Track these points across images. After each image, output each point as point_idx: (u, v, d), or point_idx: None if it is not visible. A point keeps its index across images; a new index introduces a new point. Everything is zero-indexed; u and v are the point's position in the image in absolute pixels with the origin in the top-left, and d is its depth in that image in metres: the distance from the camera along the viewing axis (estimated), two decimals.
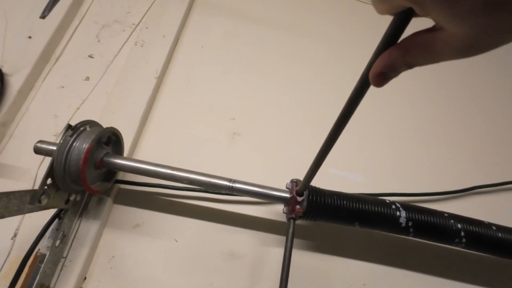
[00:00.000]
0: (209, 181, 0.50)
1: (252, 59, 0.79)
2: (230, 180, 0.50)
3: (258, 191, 0.50)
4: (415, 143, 0.74)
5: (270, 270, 0.57)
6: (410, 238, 0.51)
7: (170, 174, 0.49)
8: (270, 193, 0.50)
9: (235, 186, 0.50)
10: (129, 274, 0.55)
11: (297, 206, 0.48)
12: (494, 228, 0.50)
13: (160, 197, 0.62)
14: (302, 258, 0.59)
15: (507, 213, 0.68)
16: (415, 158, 0.72)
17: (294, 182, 0.52)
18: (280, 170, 0.66)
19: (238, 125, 0.71)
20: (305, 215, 0.49)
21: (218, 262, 0.57)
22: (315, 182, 0.54)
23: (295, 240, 0.60)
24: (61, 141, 0.42)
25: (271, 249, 0.59)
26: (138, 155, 0.65)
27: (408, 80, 0.82)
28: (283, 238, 0.60)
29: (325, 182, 0.66)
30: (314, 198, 0.48)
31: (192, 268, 0.56)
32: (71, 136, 0.43)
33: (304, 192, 0.48)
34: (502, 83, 0.86)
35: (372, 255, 0.60)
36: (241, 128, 0.70)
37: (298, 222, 0.60)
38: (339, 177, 0.68)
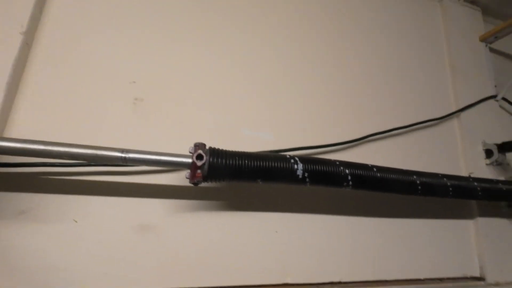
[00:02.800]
0: (96, 154, 0.44)
1: (153, 11, 0.69)
2: (122, 151, 0.46)
3: (155, 159, 0.47)
4: (319, 99, 0.78)
5: (184, 236, 0.58)
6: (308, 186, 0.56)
7: (43, 150, 0.42)
8: (169, 160, 0.48)
9: (129, 157, 0.46)
10: (20, 266, 0.49)
11: (198, 171, 0.47)
12: (375, 169, 0.58)
13: (50, 177, 0.54)
14: (216, 219, 0.60)
15: (396, 155, 0.80)
16: (320, 113, 0.77)
17: (197, 145, 0.50)
18: (187, 135, 0.63)
19: (140, 89, 0.64)
20: (207, 178, 0.48)
21: (128, 237, 0.55)
22: (229, 145, 0.54)
23: (207, 202, 0.61)
24: None
25: (184, 215, 0.59)
26: (12, 132, 0.54)
27: (308, 40, 0.83)
28: (195, 202, 0.60)
29: (238, 144, 0.67)
30: (215, 160, 0.48)
31: (98, 248, 0.53)
32: None
33: (205, 156, 0.47)
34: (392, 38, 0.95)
35: (281, 205, 0.65)
36: (144, 92, 0.64)
37: (207, 184, 0.60)
38: (252, 137, 0.69)
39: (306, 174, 0.52)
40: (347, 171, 0.55)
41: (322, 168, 0.53)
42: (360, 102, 0.82)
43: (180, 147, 0.52)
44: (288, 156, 0.53)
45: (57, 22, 0.62)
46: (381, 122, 0.80)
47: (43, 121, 0.56)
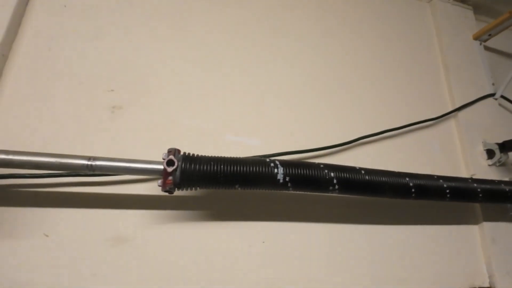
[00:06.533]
0: (60, 162, 0.42)
1: (129, 19, 0.69)
2: (88, 158, 0.43)
3: (124, 166, 0.44)
4: (305, 103, 0.76)
5: (163, 249, 0.54)
6: (291, 192, 0.52)
7: (4, 159, 0.40)
8: (139, 167, 0.45)
9: (96, 164, 0.43)
10: None
11: (169, 178, 0.44)
12: (363, 172, 0.54)
13: (19, 189, 0.52)
14: (197, 229, 0.57)
15: (386, 157, 0.76)
16: (307, 116, 0.74)
17: (170, 151, 0.47)
18: (169, 143, 0.61)
19: (119, 96, 0.62)
20: (180, 185, 0.45)
21: (102, 250, 0.52)
22: (212, 151, 0.51)
23: (186, 212, 0.58)
24: None
25: (162, 226, 0.55)
26: None
27: (293, 41, 0.82)
28: (174, 212, 0.57)
29: (222, 150, 0.64)
30: (188, 166, 0.45)
31: (70, 262, 0.50)
32: None
33: (176, 162, 0.45)
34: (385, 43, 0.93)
35: (267, 213, 0.62)
36: (123, 100, 0.62)
37: (189, 193, 0.57)
38: (236, 143, 0.66)
39: (287, 179, 0.49)
40: (332, 174, 0.51)
41: (304, 171, 0.50)
42: (350, 104, 0.79)
43: (157, 154, 0.50)
44: (267, 160, 0.50)
45: (35, 32, 0.61)
46: (373, 124, 0.77)
47: (18, 132, 0.55)
